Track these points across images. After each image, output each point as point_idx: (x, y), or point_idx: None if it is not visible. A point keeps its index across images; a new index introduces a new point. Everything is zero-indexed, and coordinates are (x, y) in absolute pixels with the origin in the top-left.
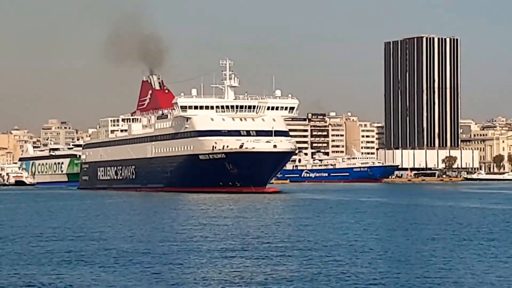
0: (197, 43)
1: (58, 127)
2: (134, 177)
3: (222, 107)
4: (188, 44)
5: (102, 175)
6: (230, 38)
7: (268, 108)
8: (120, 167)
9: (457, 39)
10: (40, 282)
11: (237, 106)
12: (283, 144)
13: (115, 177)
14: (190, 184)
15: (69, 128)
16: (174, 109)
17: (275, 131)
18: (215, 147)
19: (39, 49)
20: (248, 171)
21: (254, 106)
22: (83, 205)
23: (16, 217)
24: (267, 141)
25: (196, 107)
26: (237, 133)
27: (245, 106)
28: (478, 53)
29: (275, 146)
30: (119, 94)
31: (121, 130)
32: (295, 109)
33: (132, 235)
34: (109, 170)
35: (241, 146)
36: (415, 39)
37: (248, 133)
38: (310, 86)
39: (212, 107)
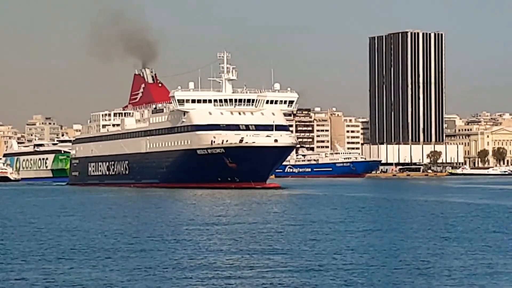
0: (189, 38)
1: (42, 123)
2: (127, 172)
3: (220, 100)
4: (180, 38)
5: (93, 171)
6: (214, 32)
7: (267, 102)
8: (113, 162)
9: (441, 34)
10: (27, 278)
11: (235, 100)
12: (283, 139)
13: (107, 173)
14: (187, 180)
15: (54, 124)
16: (170, 103)
17: (275, 125)
18: (214, 142)
19: (23, 44)
20: (248, 166)
21: (253, 100)
22: (81, 200)
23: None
24: (267, 136)
25: (193, 101)
26: (236, 127)
27: (244, 100)
28: (462, 48)
29: (276, 140)
30: (105, 89)
31: (113, 125)
32: (294, 102)
33: (123, 230)
34: (100, 166)
35: (241, 141)
36: (400, 34)
37: (247, 128)
38: (294, 81)
39: (210, 101)
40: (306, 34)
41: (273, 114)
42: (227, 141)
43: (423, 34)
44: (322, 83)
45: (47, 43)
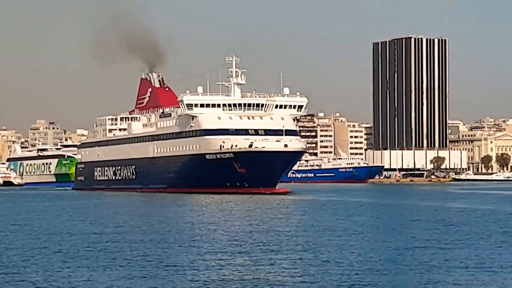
0: (195, 42)
1: (46, 128)
2: (134, 177)
3: (229, 105)
4: (186, 42)
5: (99, 175)
6: (219, 37)
7: (276, 107)
8: (119, 167)
9: (445, 40)
10: (31, 281)
11: (244, 104)
12: (293, 144)
13: (114, 178)
14: (195, 185)
15: (57, 128)
16: (178, 107)
17: (285, 130)
18: (223, 147)
19: (26, 48)
20: (257, 171)
21: (262, 104)
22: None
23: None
24: (276, 140)
25: (202, 105)
26: (245, 132)
27: (253, 104)
28: (466, 54)
29: (285, 145)
30: (109, 94)
31: (120, 129)
32: (303, 107)
33: (132, 233)
34: (107, 170)
35: (250, 146)
36: (404, 40)
37: (256, 132)
38: (298, 86)
39: (218, 105)
40: (309, 39)
41: (282, 118)
42: (236, 146)
43: (426, 39)
44: (326, 88)
45: (51, 47)
